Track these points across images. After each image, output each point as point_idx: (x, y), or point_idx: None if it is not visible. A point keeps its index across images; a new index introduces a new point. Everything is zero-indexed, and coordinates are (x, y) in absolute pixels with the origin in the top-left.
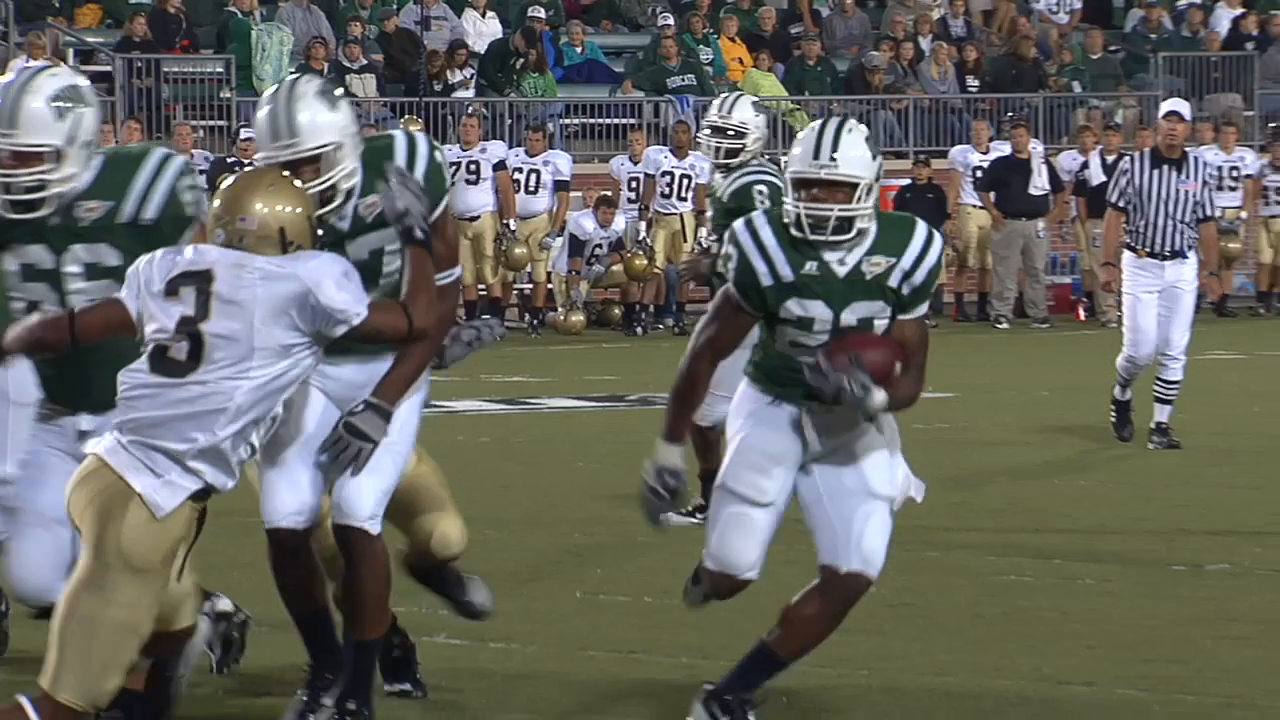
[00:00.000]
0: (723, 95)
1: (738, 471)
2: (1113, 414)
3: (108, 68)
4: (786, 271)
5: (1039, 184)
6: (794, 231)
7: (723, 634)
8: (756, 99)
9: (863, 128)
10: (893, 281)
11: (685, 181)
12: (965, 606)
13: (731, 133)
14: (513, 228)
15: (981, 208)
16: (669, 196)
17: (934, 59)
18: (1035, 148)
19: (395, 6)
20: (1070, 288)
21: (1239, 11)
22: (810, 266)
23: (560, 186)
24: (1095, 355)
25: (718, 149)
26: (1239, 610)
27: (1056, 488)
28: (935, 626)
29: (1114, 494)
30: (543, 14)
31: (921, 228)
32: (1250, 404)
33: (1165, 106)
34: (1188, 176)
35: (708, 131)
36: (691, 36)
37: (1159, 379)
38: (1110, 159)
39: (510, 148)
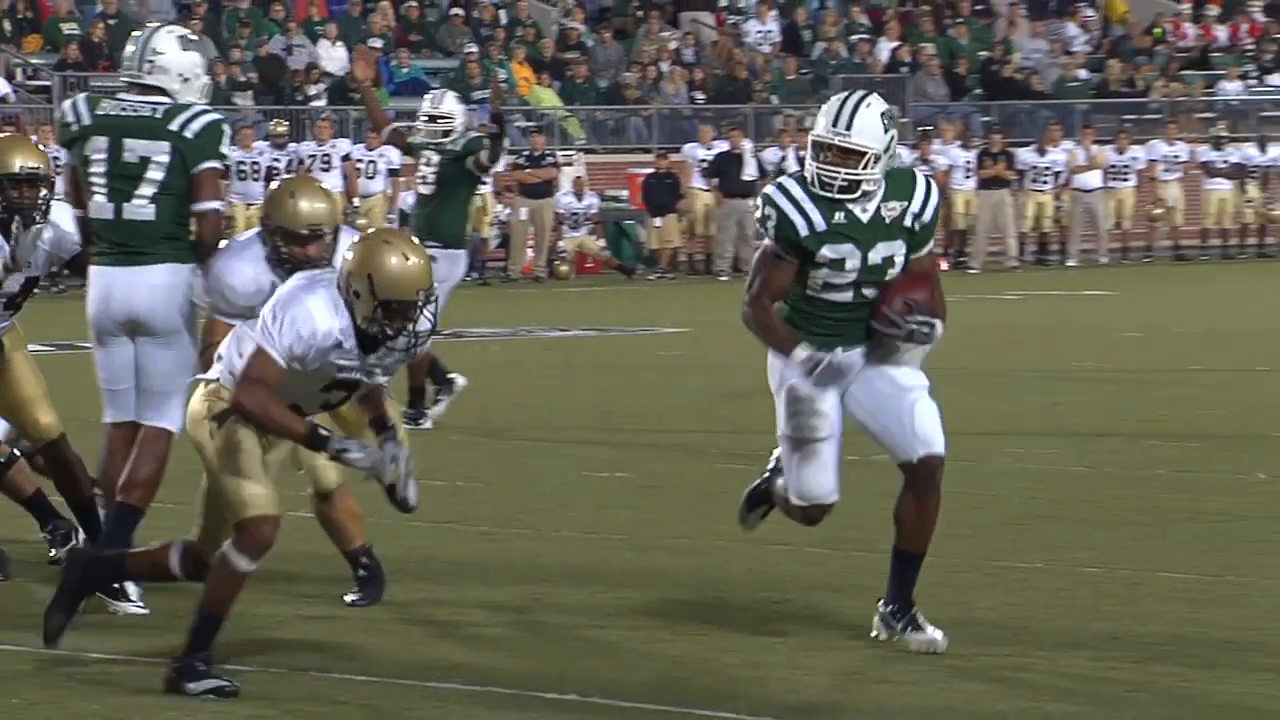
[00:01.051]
0: (432, 92)
1: (794, 420)
2: None
3: (48, 83)
4: (820, 222)
5: (749, 172)
6: (811, 187)
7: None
8: (457, 96)
9: (881, 103)
10: (907, 222)
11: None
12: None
13: (442, 119)
14: (355, 204)
15: (707, 190)
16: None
17: (671, 78)
18: (746, 145)
19: (266, 36)
20: None
21: (896, 44)
22: (839, 215)
23: (393, 174)
24: None
25: (434, 131)
26: None
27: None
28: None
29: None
30: (379, 43)
31: (922, 177)
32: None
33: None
34: None
35: (425, 119)
36: (490, 60)
37: None
38: (802, 154)
39: (354, 144)
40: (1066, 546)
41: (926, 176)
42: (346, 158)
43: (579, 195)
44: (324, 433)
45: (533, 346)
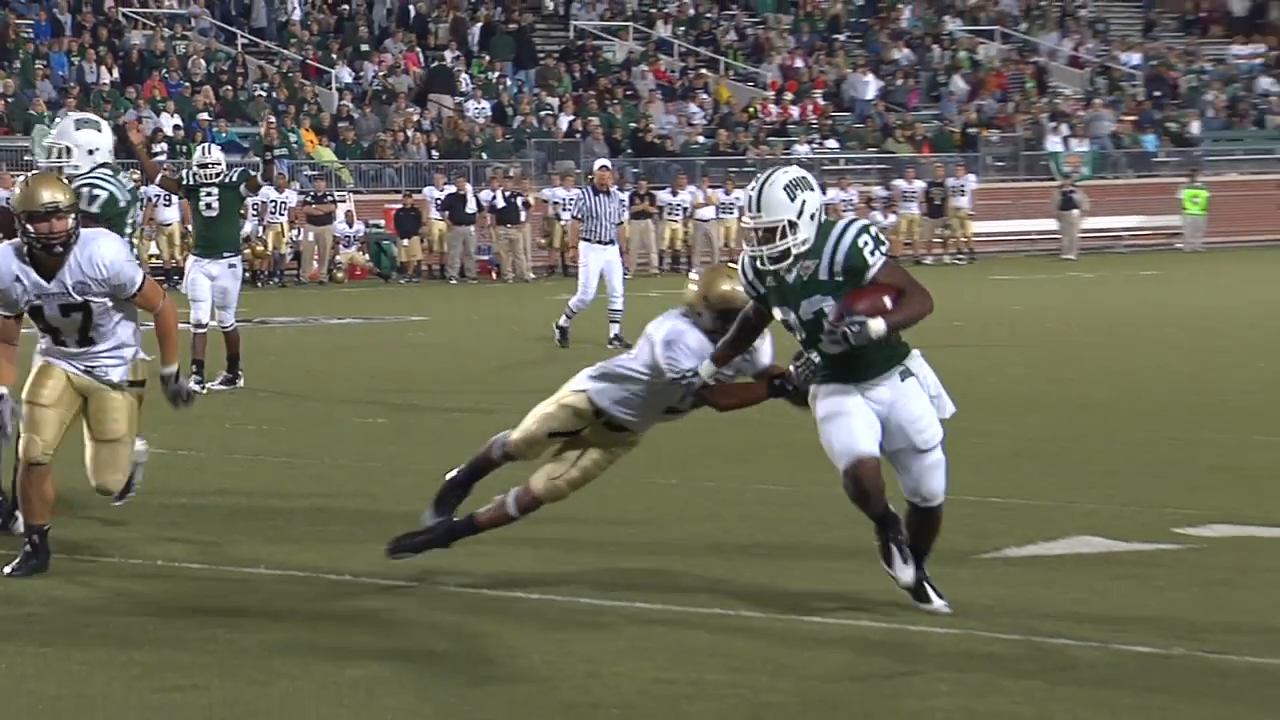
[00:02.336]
0: (200, 145)
1: (826, 421)
2: (558, 334)
3: None
4: (760, 287)
5: (470, 207)
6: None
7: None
8: (220, 147)
9: (785, 177)
10: (822, 275)
11: (278, 205)
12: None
13: (212, 165)
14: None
15: (440, 220)
16: (275, 213)
17: (414, 140)
18: (468, 187)
19: (123, 110)
20: (488, 262)
21: (572, 117)
22: (769, 280)
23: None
24: (506, 297)
25: (207, 174)
26: None
27: (514, 370)
28: None
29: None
30: (207, 115)
31: (836, 227)
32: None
33: (599, 163)
34: (612, 199)
35: (199, 166)
36: (284, 126)
37: (610, 308)
38: (507, 193)
39: None
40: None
41: (844, 224)
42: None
43: (350, 223)
44: None
45: (319, 330)
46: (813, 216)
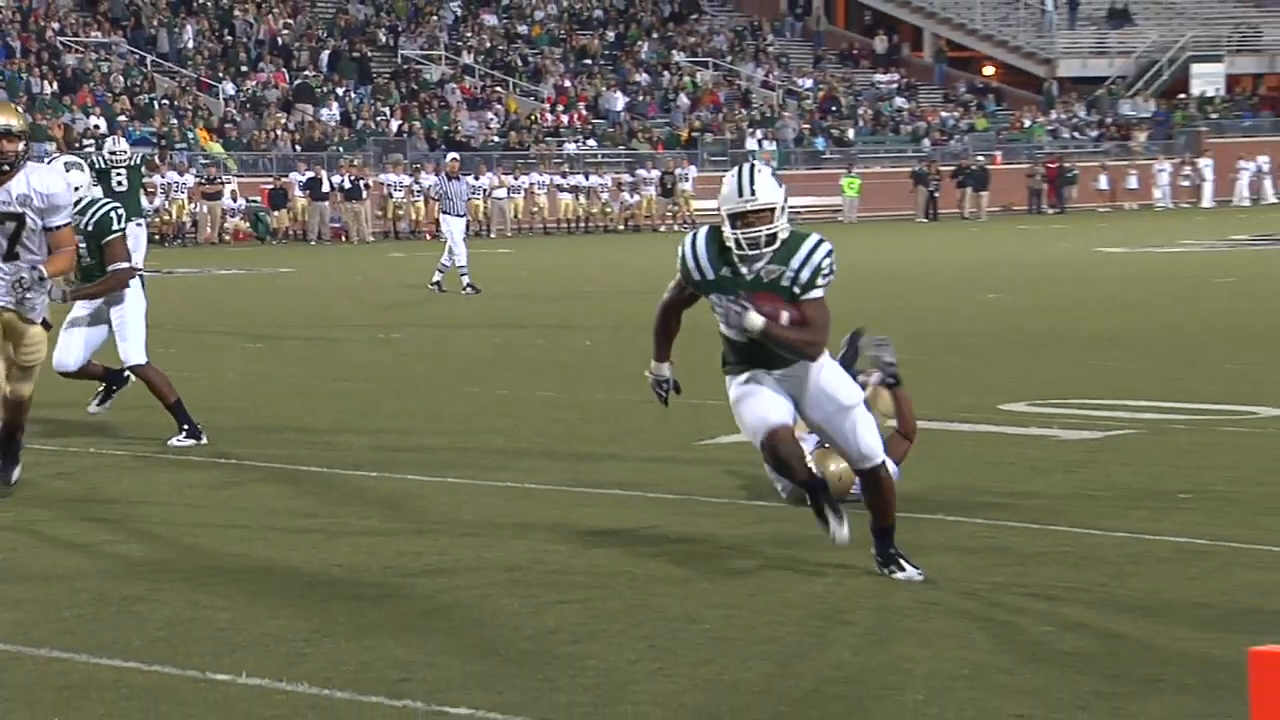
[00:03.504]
0: (109, 138)
1: (739, 403)
2: (434, 287)
3: None
4: (710, 272)
5: (326, 188)
6: (736, 252)
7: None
8: (125, 137)
9: (763, 166)
10: (784, 283)
11: (179, 185)
12: None
13: (120, 154)
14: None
15: (303, 196)
16: (177, 192)
17: (281, 138)
18: (324, 173)
19: (60, 114)
20: (338, 229)
21: (400, 121)
22: (725, 270)
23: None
24: (352, 255)
25: (116, 159)
26: None
27: (358, 309)
28: None
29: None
30: (124, 118)
31: (809, 240)
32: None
33: (450, 156)
34: (460, 183)
35: (110, 154)
36: (184, 126)
37: (458, 265)
38: (353, 178)
39: None
40: None
41: (817, 239)
42: None
43: (234, 199)
44: None
45: (212, 279)
46: (784, 212)
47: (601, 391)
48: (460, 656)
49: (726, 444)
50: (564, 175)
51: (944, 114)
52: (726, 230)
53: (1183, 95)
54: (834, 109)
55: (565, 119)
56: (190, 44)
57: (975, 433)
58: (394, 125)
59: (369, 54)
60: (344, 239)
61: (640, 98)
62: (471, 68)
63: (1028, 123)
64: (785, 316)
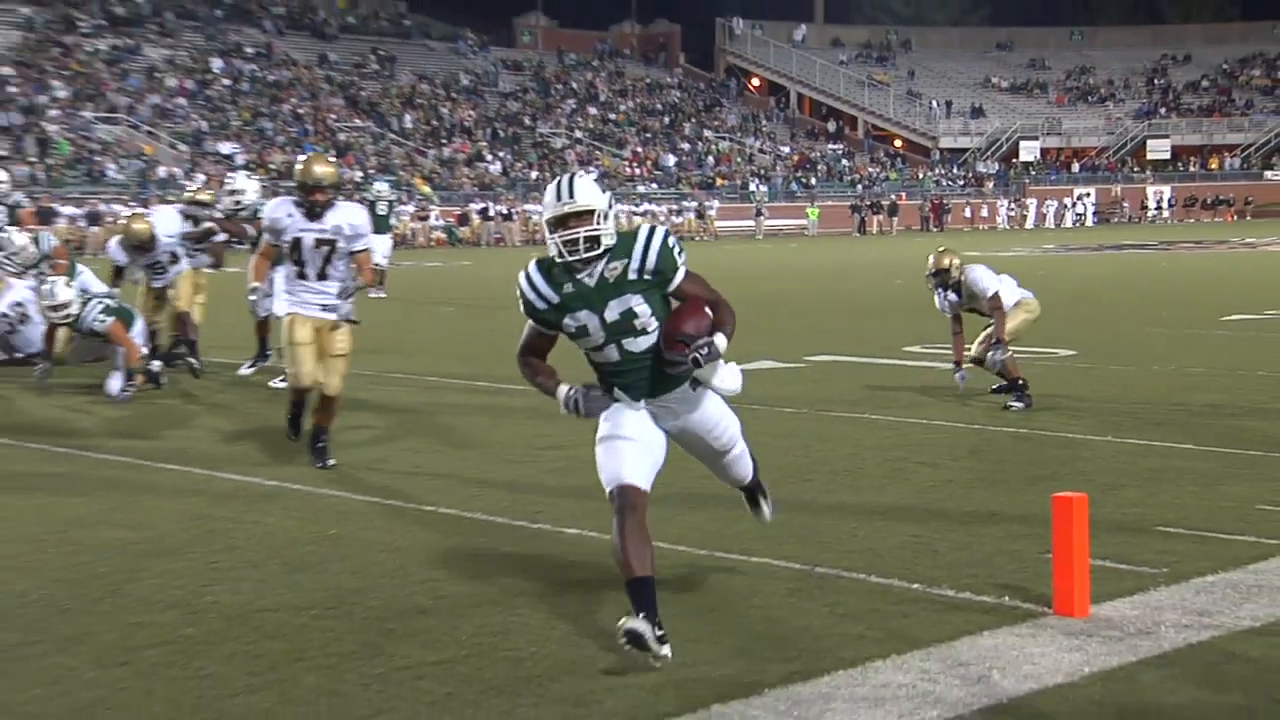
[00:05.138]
0: None
1: (601, 442)
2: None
3: None
4: (553, 295)
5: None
6: (557, 260)
7: None
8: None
9: (587, 174)
10: (631, 275)
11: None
12: None
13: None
14: None
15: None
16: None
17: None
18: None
19: None
20: (499, 238)
21: (237, 147)
22: (568, 286)
23: None
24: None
25: None
26: None
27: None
28: None
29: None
30: None
31: (642, 231)
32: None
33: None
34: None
35: None
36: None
37: None
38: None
39: None
40: None
41: (651, 227)
42: None
43: (437, 220)
44: None
45: (422, 269)
46: (615, 218)
47: None
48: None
49: None
50: (636, 204)
51: (870, 169)
52: (549, 239)
53: (1015, 159)
54: (804, 166)
55: (639, 171)
56: (410, 125)
57: (886, 365)
58: (532, 175)
59: (518, 131)
60: (502, 244)
61: (684, 158)
62: (581, 139)
63: (921, 175)
64: (709, 313)
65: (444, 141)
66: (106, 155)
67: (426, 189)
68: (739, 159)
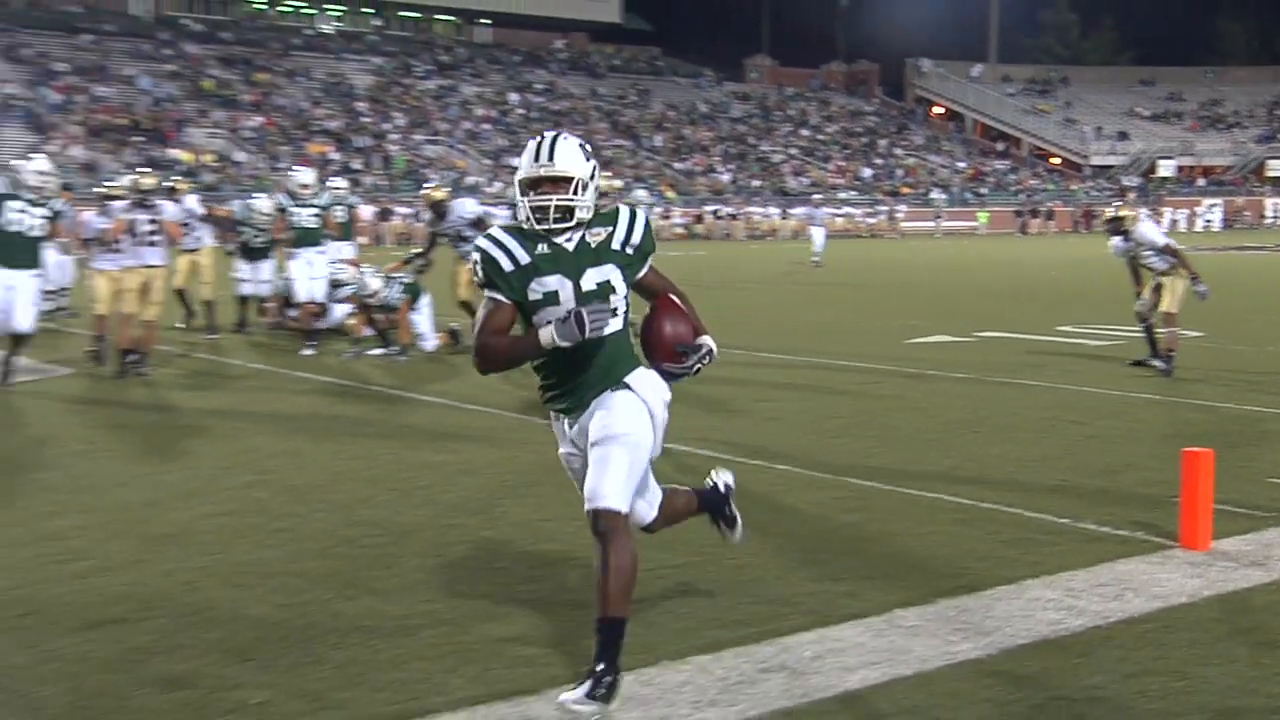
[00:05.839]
0: None
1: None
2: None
3: None
4: (523, 255)
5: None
6: (525, 226)
7: None
8: None
9: (575, 138)
10: (615, 245)
11: None
12: None
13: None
14: None
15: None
16: None
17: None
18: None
19: None
20: (728, 234)
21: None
22: (542, 247)
23: None
24: None
25: None
26: None
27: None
28: None
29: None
30: None
31: (624, 208)
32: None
33: (815, 198)
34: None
35: None
36: None
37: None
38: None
39: None
40: None
41: (632, 207)
42: None
43: (679, 218)
44: None
45: (670, 258)
46: (597, 189)
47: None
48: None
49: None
50: (837, 207)
51: (1032, 181)
52: (518, 201)
53: (1153, 175)
54: (976, 178)
55: (840, 180)
56: (660, 143)
57: (1041, 340)
58: (754, 183)
59: (744, 149)
60: (729, 238)
61: (878, 171)
62: (794, 155)
63: (1074, 187)
64: (681, 306)
65: (685, 157)
66: (430, 168)
67: (671, 194)
68: (923, 172)
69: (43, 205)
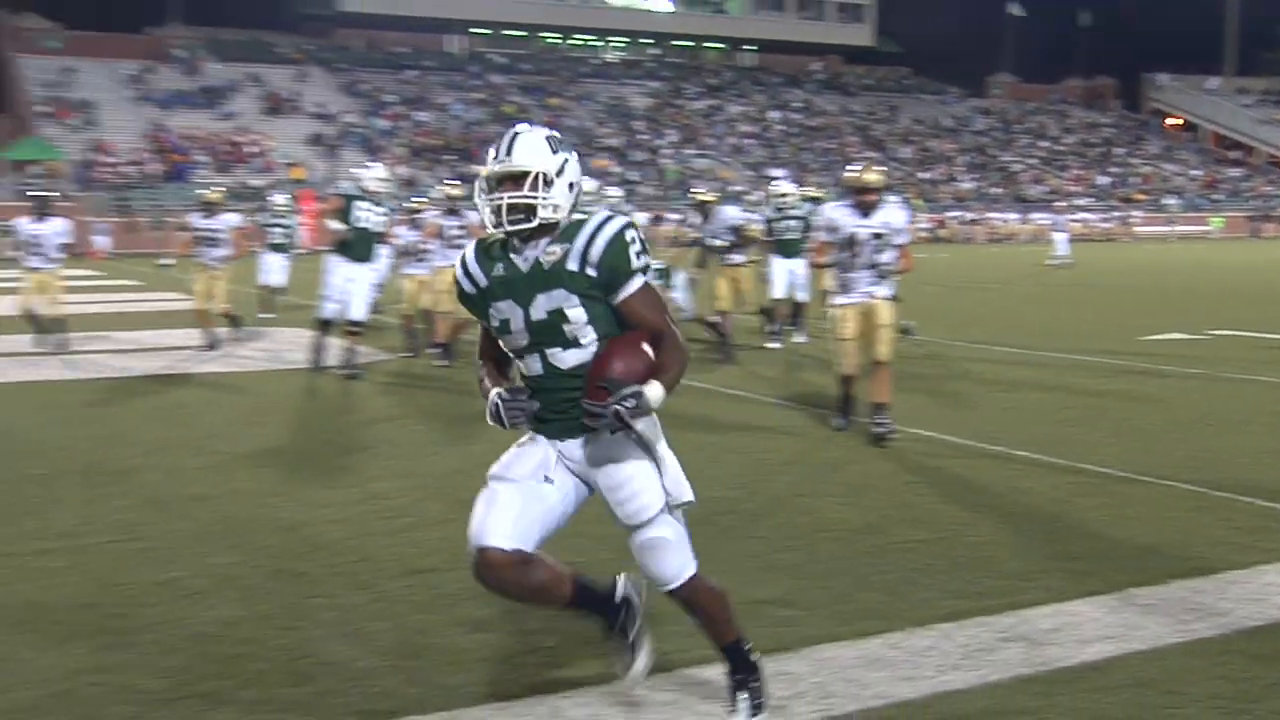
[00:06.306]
0: None
1: (485, 485)
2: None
3: None
4: (481, 278)
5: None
6: (489, 229)
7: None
8: None
9: (544, 130)
10: (572, 265)
11: None
12: None
13: None
14: None
15: None
16: None
17: None
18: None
19: None
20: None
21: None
22: (498, 269)
23: None
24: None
25: None
26: None
27: None
28: None
29: None
30: None
31: (596, 216)
32: None
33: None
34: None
35: None
36: None
37: None
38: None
39: None
40: None
41: (606, 214)
42: None
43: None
44: None
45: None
46: (572, 186)
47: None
48: None
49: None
50: (1073, 213)
51: (1266, 188)
52: (479, 204)
53: None
54: (1211, 185)
55: (1078, 188)
56: (908, 155)
57: (1272, 338)
58: (994, 191)
59: (986, 159)
60: (970, 242)
61: (1115, 179)
62: (1033, 164)
63: None
64: (648, 351)
65: (930, 167)
66: (698, 179)
67: (919, 201)
68: (1158, 180)
69: (381, 207)
